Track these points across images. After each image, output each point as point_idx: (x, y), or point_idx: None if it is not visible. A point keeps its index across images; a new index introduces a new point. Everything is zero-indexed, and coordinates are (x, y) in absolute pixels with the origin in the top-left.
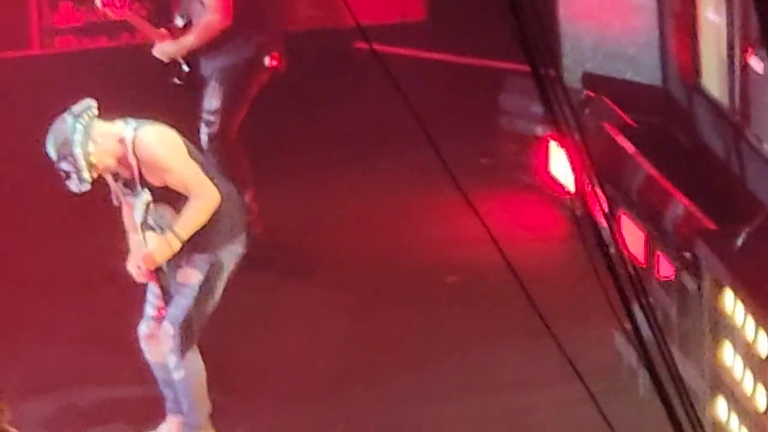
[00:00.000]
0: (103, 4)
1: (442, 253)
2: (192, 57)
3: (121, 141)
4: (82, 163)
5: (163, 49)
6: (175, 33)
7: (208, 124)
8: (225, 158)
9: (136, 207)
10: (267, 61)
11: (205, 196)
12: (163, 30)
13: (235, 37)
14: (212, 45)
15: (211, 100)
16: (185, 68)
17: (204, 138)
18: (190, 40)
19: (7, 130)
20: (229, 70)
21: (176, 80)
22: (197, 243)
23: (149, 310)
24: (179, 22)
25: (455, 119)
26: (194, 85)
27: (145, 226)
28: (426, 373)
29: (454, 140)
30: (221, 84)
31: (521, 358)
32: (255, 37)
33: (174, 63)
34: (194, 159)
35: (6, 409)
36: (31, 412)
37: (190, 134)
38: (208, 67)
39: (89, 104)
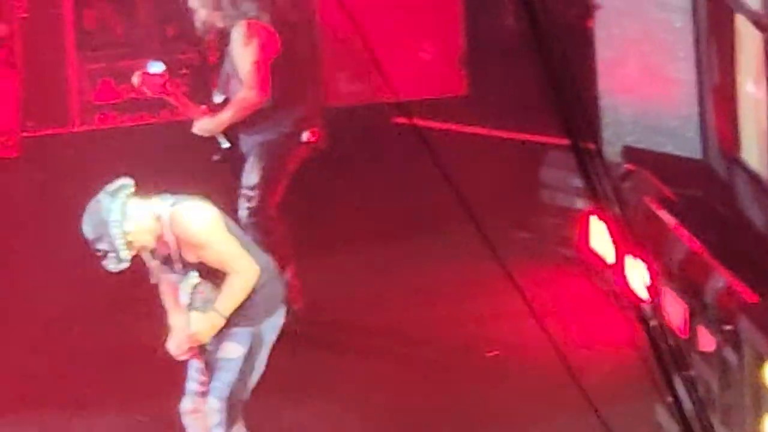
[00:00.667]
0: (141, 83)
1: (483, 327)
2: (231, 133)
3: (158, 218)
4: (120, 243)
5: (202, 126)
6: (213, 110)
7: (248, 199)
8: (265, 233)
9: (182, 288)
10: (305, 136)
11: (244, 272)
12: (201, 107)
13: (273, 113)
14: (251, 121)
15: (250, 176)
16: (225, 144)
17: (244, 213)
18: (227, 116)
19: (46, 207)
20: (267, 145)
21: (216, 156)
22: (238, 317)
23: (192, 385)
24: (218, 98)
25: (495, 193)
26: (234, 161)
27: (190, 307)
28: None
29: (495, 214)
30: (260, 159)
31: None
32: (293, 113)
33: (213, 139)
34: (232, 234)
35: None
36: None
37: (229, 209)
38: (248, 142)
39: (125, 183)
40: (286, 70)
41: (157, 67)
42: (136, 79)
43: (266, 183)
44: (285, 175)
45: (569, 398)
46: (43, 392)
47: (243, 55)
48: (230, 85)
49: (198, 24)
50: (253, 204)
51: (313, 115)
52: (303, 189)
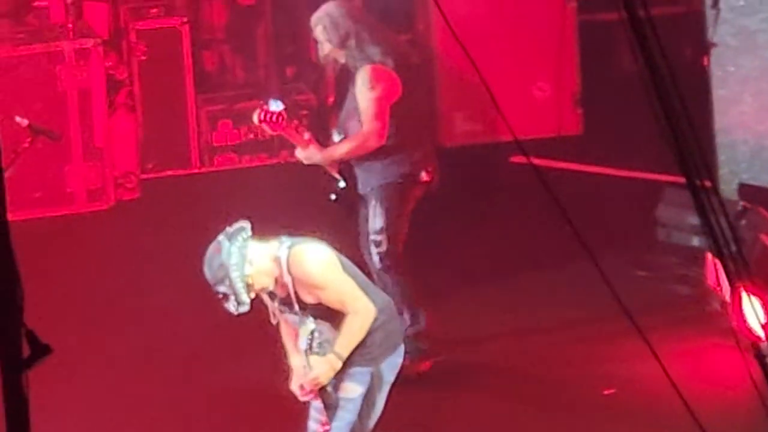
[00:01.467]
0: (260, 120)
1: (600, 366)
2: (348, 173)
3: (277, 260)
4: (240, 286)
5: (309, 156)
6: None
7: (377, 244)
8: (398, 276)
9: (300, 334)
10: (422, 176)
11: (362, 312)
12: (308, 136)
13: (392, 155)
14: (371, 163)
15: (376, 220)
16: (341, 184)
17: (375, 258)
18: (340, 152)
19: (166, 248)
20: (386, 188)
21: (333, 196)
22: (357, 357)
23: (313, 425)
24: (336, 137)
25: (612, 232)
26: (349, 202)
27: (309, 351)
28: None
29: (612, 253)
30: (382, 202)
31: None
32: (412, 155)
33: (331, 179)
34: (348, 274)
35: None
36: None
37: (345, 250)
38: (366, 185)
39: (243, 226)
40: (406, 113)
41: (276, 105)
42: (256, 117)
43: (392, 226)
44: (406, 215)
45: None
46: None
47: (366, 98)
48: (349, 125)
49: (320, 56)
50: (383, 248)
51: (429, 155)
52: (421, 228)
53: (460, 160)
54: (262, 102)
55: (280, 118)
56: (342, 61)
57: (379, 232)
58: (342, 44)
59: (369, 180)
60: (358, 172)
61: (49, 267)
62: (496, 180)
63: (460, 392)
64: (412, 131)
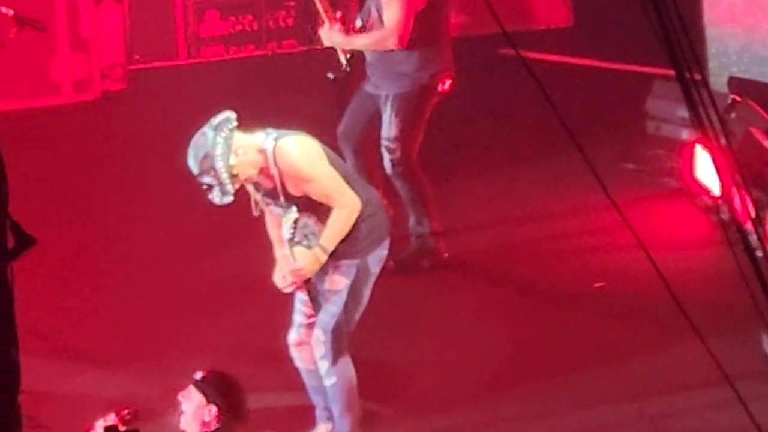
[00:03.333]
0: None
1: (590, 258)
2: (352, 61)
3: (262, 152)
4: (225, 176)
5: (332, 37)
6: (350, 31)
7: (390, 151)
8: (409, 183)
9: (283, 223)
10: (440, 87)
11: (347, 206)
12: (340, 14)
13: (411, 64)
14: (389, 69)
15: (390, 128)
16: (346, 68)
17: (387, 165)
18: (360, 42)
19: (151, 139)
20: (404, 97)
21: (330, 75)
22: (343, 250)
23: (298, 317)
24: (358, 23)
25: (601, 125)
26: (343, 90)
27: (292, 241)
28: (573, 377)
29: (601, 145)
30: (398, 111)
31: (669, 363)
32: (431, 66)
33: (336, 59)
34: (335, 167)
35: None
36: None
37: (329, 144)
38: (382, 87)
39: (228, 116)
40: (429, 23)
41: None
42: None
43: (406, 134)
44: (422, 124)
45: (675, 329)
46: (147, 324)
47: (391, 4)
48: (371, 20)
49: None
50: (395, 156)
51: (448, 67)
52: None
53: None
54: None
55: None
56: None
57: (393, 140)
58: None
59: (386, 85)
60: (377, 75)
61: (34, 158)
62: (486, 73)
63: (449, 283)
64: (434, 42)
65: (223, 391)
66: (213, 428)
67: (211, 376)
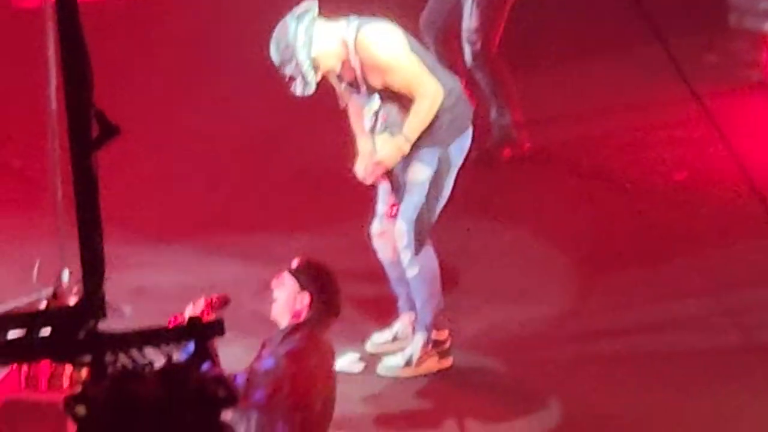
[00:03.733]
0: None
1: (671, 149)
2: None
3: (344, 42)
4: (306, 67)
5: None
6: None
7: (471, 42)
8: (490, 74)
9: (365, 114)
10: None
11: (429, 95)
12: None
13: None
14: None
15: (471, 19)
16: None
17: (468, 56)
18: None
19: (237, 28)
20: None
21: None
22: (425, 140)
23: (381, 207)
24: None
25: (683, 15)
26: None
27: (374, 131)
28: (652, 269)
29: (682, 36)
30: (479, 3)
31: (748, 256)
32: None
33: None
34: (417, 55)
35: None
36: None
37: (414, 30)
38: None
39: (310, 6)
40: None
41: None
42: None
43: (486, 26)
44: (502, 17)
45: (754, 220)
46: (226, 210)
47: None
48: None
49: None
50: (476, 47)
51: None
52: None
53: None
54: None
55: None
56: None
57: (474, 31)
58: None
59: None
60: None
61: (116, 48)
62: None
63: (530, 174)
64: None
65: (317, 280)
66: (303, 318)
67: (307, 265)
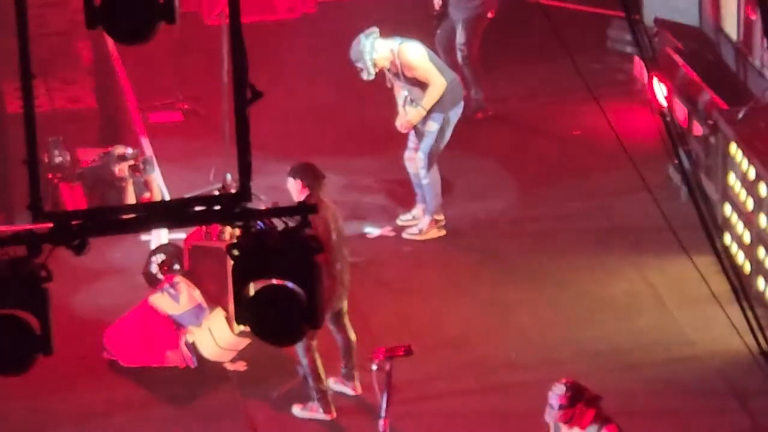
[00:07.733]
0: None
1: (571, 117)
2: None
3: (392, 51)
4: (370, 65)
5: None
6: None
7: (461, 51)
8: (471, 70)
9: (401, 92)
10: (489, 15)
11: (438, 84)
12: None
13: (472, 1)
14: (460, 4)
15: (461, 38)
16: (438, 6)
17: (460, 59)
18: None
19: (330, 43)
20: (469, 20)
21: (437, 4)
22: (435, 108)
23: (410, 143)
24: None
25: (579, 42)
26: (440, 18)
27: (405, 103)
28: (561, 184)
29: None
30: (465, 29)
31: (615, 179)
32: (484, 3)
33: (434, 3)
34: (432, 62)
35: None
36: None
37: (431, 45)
38: (457, 15)
39: (374, 29)
40: None
41: None
42: None
43: (470, 41)
44: (479, 35)
45: (616, 159)
46: (323, 140)
47: None
48: None
49: None
50: (464, 53)
51: (494, 3)
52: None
53: None
54: None
55: None
56: None
57: (463, 45)
58: None
59: (458, 13)
60: (453, 7)
61: (263, 49)
62: (510, 11)
63: (492, 126)
64: None
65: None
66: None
67: (301, 166)
